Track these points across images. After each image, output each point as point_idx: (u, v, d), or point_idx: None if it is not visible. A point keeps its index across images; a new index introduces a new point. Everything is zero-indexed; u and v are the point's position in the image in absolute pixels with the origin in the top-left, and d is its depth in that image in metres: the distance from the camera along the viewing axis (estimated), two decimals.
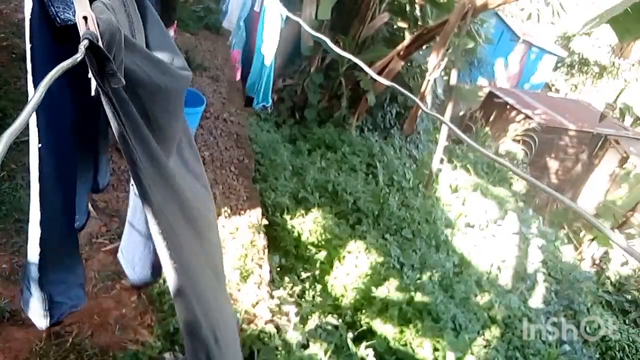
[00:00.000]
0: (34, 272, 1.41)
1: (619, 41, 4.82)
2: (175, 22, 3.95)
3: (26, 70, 1.26)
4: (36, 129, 1.26)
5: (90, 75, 0.91)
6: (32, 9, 1.16)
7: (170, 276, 1.05)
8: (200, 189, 1.48)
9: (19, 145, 3.28)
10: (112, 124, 0.97)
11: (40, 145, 1.28)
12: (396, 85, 1.75)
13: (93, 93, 0.93)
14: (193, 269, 1.19)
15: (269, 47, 3.92)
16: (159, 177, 1.09)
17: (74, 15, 1.18)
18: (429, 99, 8.87)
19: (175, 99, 1.30)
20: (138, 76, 1.04)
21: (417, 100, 1.71)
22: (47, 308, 1.47)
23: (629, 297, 8.54)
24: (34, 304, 1.46)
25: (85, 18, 0.88)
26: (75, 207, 1.55)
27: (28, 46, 1.19)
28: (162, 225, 1.04)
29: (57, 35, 1.22)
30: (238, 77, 4.56)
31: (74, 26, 0.91)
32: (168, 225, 1.08)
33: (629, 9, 4.16)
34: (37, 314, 1.48)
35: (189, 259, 1.17)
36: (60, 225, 1.45)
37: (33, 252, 1.38)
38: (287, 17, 3.57)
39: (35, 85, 1.22)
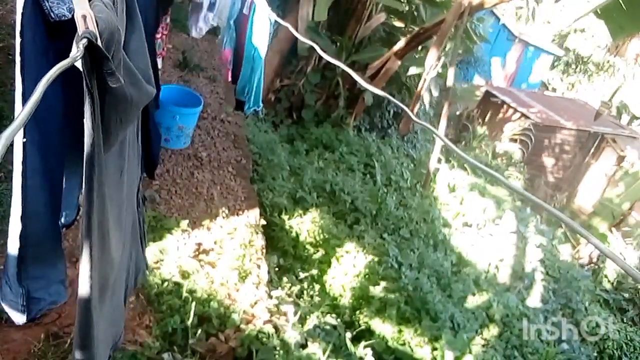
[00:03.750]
0: (13, 266, 1.39)
1: (611, 39, 4.83)
2: (169, 8, 3.85)
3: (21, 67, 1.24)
4: None
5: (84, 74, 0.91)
6: (25, 2, 1.14)
7: (83, 289, 1.07)
8: (116, 195, 1.50)
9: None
10: (85, 126, 0.97)
11: (25, 140, 1.27)
12: (386, 94, 1.74)
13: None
14: (100, 282, 1.23)
15: (257, 52, 3.90)
16: (100, 186, 1.11)
17: (68, 11, 1.17)
18: (426, 98, 8.88)
19: (133, 112, 1.30)
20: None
21: (407, 110, 1.71)
22: (25, 303, 1.46)
23: (626, 295, 8.57)
24: (12, 298, 1.45)
25: (84, 16, 0.87)
26: (61, 203, 1.54)
27: (18, 40, 1.17)
28: (94, 236, 1.07)
29: (50, 31, 1.22)
30: (229, 78, 4.54)
31: (68, 22, 0.90)
32: (96, 237, 1.11)
33: (623, 6, 4.15)
34: (15, 309, 1.47)
35: (99, 269, 1.21)
36: (43, 221, 1.44)
37: (13, 247, 1.37)
38: (282, 14, 3.55)
39: (24, 81, 1.21)
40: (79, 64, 0.88)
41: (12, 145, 1.31)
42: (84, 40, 0.83)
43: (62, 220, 1.73)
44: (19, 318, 1.49)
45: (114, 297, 1.56)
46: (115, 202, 1.42)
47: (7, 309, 1.48)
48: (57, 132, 1.40)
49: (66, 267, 1.68)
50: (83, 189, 1.04)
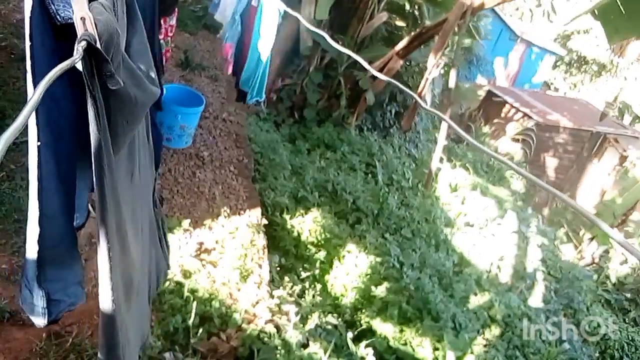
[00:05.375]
0: (32, 269, 1.40)
1: (607, 41, 4.75)
2: (176, 8, 3.87)
3: (25, 70, 1.25)
4: (35, 128, 1.26)
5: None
6: (32, 7, 1.15)
7: (105, 294, 1.09)
8: (129, 197, 1.50)
9: (19, 145, 3.28)
10: (91, 129, 0.97)
11: (39, 143, 1.28)
12: (395, 81, 1.74)
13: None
14: (119, 286, 1.23)
15: (265, 42, 3.91)
16: (112, 188, 1.12)
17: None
18: (428, 97, 8.87)
19: (140, 113, 1.31)
20: None
21: (416, 96, 1.70)
22: (45, 306, 1.47)
23: (628, 295, 8.56)
24: (32, 301, 1.46)
25: (83, 19, 0.87)
26: (75, 206, 1.55)
27: (28, 44, 1.18)
28: (110, 237, 1.07)
29: (57, 34, 1.22)
30: (230, 71, 4.55)
31: (75, 25, 0.91)
32: (112, 239, 1.11)
33: (621, 8, 4.10)
34: (36, 312, 1.48)
35: (122, 271, 1.22)
36: (59, 224, 1.45)
37: (31, 250, 1.38)
38: (285, 13, 3.56)
39: (35, 84, 1.22)
40: (80, 67, 0.88)
41: (15, 143, 1.31)
42: (83, 43, 0.83)
43: (75, 222, 1.73)
44: (40, 321, 1.50)
45: (139, 298, 1.56)
46: (128, 204, 1.43)
47: (27, 311, 1.49)
48: (69, 135, 1.40)
49: (83, 269, 1.69)
50: (95, 193, 1.05)
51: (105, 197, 1.04)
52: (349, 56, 2.22)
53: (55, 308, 1.52)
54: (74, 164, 1.48)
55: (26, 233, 1.38)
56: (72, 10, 1.17)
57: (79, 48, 0.81)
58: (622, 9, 4.10)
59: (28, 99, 1.26)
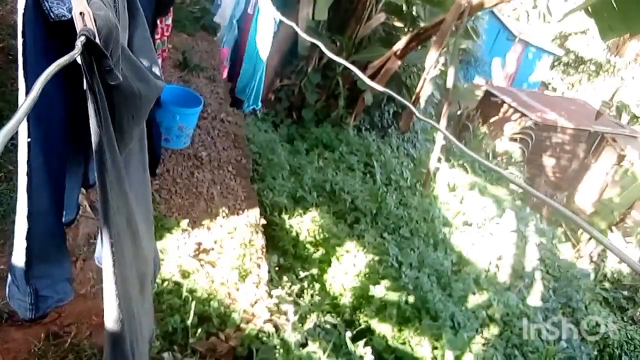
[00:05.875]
0: (20, 265, 1.41)
1: (601, 38, 4.73)
2: (172, 8, 3.84)
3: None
4: (26, 123, 1.26)
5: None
6: (26, 3, 1.15)
7: (109, 288, 1.08)
8: (142, 191, 1.50)
9: (17, 147, 3.27)
10: (91, 124, 0.97)
11: (29, 139, 1.28)
12: (388, 90, 1.73)
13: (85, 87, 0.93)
14: (128, 281, 1.23)
15: (261, 51, 3.90)
16: (117, 184, 1.11)
17: (68, 11, 1.18)
18: (425, 98, 8.88)
19: (145, 107, 1.30)
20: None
21: (411, 106, 1.72)
22: (32, 301, 1.48)
23: (625, 293, 8.57)
24: (20, 297, 1.47)
25: (82, 14, 0.88)
26: (64, 202, 1.55)
27: (20, 41, 1.18)
28: (113, 232, 1.06)
29: (50, 31, 1.22)
30: (225, 75, 4.55)
31: (68, 22, 0.91)
32: (117, 234, 1.11)
33: (614, 5, 4.08)
34: (23, 307, 1.49)
35: (126, 270, 1.21)
36: (48, 220, 1.45)
37: (19, 246, 1.38)
38: (283, 13, 3.55)
39: (26, 80, 1.21)
40: (79, 62, 0.88)
41: (13, 144, 1.31)
42: (82, 38, 0.83)
43: (63, 219, 1.73)
44: (27, 316, 1.50)
45: (148, 293, 1.57)
46: (141, 199, 1.43)
47: (15, 307, 1.49)
48: (59, 132, 1.40)
49: (71, 266, 1.69)
50: (97, 188, 1.04)
51: (108, 194, 1.04)
52: (347, 56, 2.23)
53: (43, 304, 1.52)
54: (62, 161, 1.48)
55: (7, 228, 1.38)
56: (67, 8, 1.17)
57: (77, 43, 0.81)
58: (615, 6, 4.08)
59: (19, 96, 1.26)
